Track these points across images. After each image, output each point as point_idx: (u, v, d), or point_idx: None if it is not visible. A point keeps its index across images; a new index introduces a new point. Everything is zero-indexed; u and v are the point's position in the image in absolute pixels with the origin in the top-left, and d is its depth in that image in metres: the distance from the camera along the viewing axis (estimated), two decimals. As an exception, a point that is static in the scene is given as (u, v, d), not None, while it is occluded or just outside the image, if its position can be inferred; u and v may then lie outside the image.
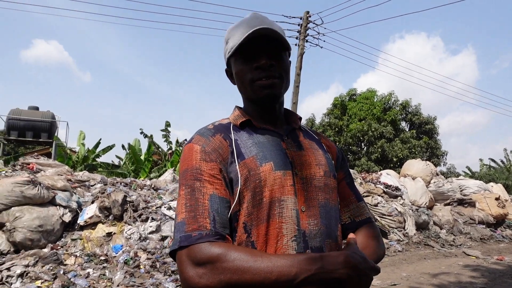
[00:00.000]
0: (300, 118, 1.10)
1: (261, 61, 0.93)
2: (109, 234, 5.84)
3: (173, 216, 6.37)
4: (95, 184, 7.34)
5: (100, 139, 15.21)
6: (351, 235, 0.92)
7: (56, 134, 14.75)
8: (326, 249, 0.91)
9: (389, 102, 23.89)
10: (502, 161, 29.87)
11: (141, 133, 15.05)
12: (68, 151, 14.69)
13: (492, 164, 29.92)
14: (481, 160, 30.83)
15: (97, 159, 14.84)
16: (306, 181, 0.94)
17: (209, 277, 0.76)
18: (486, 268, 6.53)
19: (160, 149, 15.55)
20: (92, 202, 6.35)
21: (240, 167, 0.89)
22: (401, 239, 8.51)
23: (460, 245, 9.05)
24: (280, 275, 0.75)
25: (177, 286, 4.77)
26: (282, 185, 0.90)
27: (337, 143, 22.99)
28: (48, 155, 13.22)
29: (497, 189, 13.21)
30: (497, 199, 11.42)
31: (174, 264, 5.33)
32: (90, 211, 6.07)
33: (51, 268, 4.82)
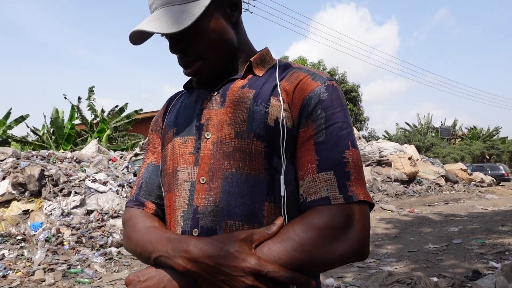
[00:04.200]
0: (250, 63, 0.82)
1: (170, 49, 0.80)
2: (26, 212, 5.38)
3: (99, 189, 6.05)
4: (5, 158, 6.61)
5: (11, 109, 13.63)
6: (277, 220, 0.70)
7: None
8: (224, 231, 0.70)
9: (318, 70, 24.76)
10: (414, 125, 33.16)
11: (65, 98, 13.78)
12: (-28, 123, 12.96)
13: (407, 127, 33.08)
14: (397, 124, 33.97)
15: (8, 131, 13.34)
16: (216, 147, 0.75)
17: (123, 238, 0.85)
18: (398, 220, 7.32)
19: (84, 118, 14.46)
20: (3, 178, 5.74)
21: (162, 135, 0.88)
22: (327, 199, 9.14)
23: (378, 201, 9.99)
24: (142, 250, 0.75)
25: (105, 260, 4.61)
26: (181, 153, 0.79)
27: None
28: None
29: (410, 149, 14.69)
30: (409, 158, 12.71)
31: (102, 238, 5.11)
32: (1, 188, 5.50)
33: (-44, 252, 4.34)
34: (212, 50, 0.78)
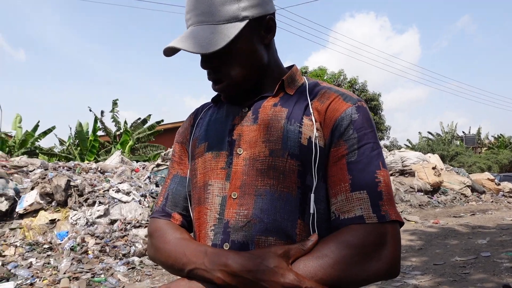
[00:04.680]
0: (282, 81, 0.84)
1: (202, 65, 0.81)
2: (53, 221, 5.54)
3: (122, 199, 6.18)
4: (34, 169, 6.87)
5: (39, 122, 14.14)
6: (312, 236, 0.72)
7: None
8: (256, 246, 0.72)
9: (339, 79, 24.63)
10: (437, 133, 32.33)
11: (90, 110, 14.24)
12: (3, 135, 13.53)
13: (430, 136, 32.29)
14: (420, 133, 33.23)
15: (36, 143, 13.85)
16: (249, 163, 0.77)
17: (149, 248, 0.85)
18: (423, 231, 7.12)
19: (108, 130, 14.86)
20: (32, 189, 5.95)
21: (190, 148, 0.89)
22: (349, 210, 8.99)
23: (401, 212, 9.75)
24: (174, 261, 0.76)
25: (128, 269, 4.68)
26: (212, 168, 0.80)
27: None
28: (-21, 140, 12.09)
29: (434, 159, 14.29)
30: (433, 168, 12.38)
31: (125, 247, 5.20)
32: (30, 198, 5.69)
33: (-12, 260, 4.50)
34: (243, 70, 0.80)
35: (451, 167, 15.72)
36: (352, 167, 0.73)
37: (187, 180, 0.88)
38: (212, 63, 0.80)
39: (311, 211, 0.74)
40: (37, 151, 13.06)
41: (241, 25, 0.76)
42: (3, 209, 5.36)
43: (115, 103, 14.74)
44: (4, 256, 4.75)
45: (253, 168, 0.76)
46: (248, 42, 0.79)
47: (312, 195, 0.74)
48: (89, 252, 4.99)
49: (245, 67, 0.80)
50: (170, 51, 0.79)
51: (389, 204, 0.72)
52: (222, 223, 0.75)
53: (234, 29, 0.75)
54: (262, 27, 0.81)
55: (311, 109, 0.79)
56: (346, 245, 0.68)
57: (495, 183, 14.25)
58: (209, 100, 0.95)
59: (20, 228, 5.34)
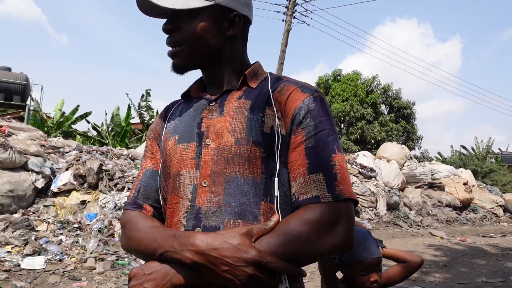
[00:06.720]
0: (245, 76, 0.91)
1: (162, 28, 0.91)
2: (83, 202, 5.78)
3: (150, 187, 6.35)
4: (70, 151, 7.18)
5: (78, 105, 14.75)
6: (273, 217, 0.78)
7: (29, 98, 14.20)
8: (225, 229, 0.78)
9: (372, 85, 24.12)
10: (472, 148, 31.03)
11: (127, 96, 14.75)
12: (44, 116, 14.20)
13: (463, 151, 31.06)
14: (451, 146, 32.06)
15: (73, 126, 14.45)
16: (217, 152, 0.83)
17: (122, 238, 0.89)
18: (448, 248, 6.89)
19: (141, 118, 15.29)
20: (67, 169, 6.22)
21: (162, 142, 0.94)
22: (372, 218, 8.82)
23: (427, 226, 9.47)
24: (145, 247, 0.80)
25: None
26: (183, 158, 0.86)
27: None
28: (21, 119, 12.76)
29: (466, 174, 13.76)
30: (465, 184, 11.92)
31: (149, 234, 5.35)
32: (64, 178, 5.96)
33: (22, 233, 4.76)
34: (192, 43, 0.88)
35: (484, 184, 15.08)
36: (310, 153, 0.80)
37: (159, 173, 0.93)
38: (169, 26, 0.89)
39: (276, 193, 0.80)
40: (74, 133, 13.62)
41: (206, 2, 0.85)
42: (39, 186, 5.65)
43: (148, 93, 15.13)
44: (37, 231, 5.01)
45: (221, 157, 0.82)
46: (207, 22, 0.87)
47: (276, 179, 0.81)
48: (115, 235, 5.18)
49: (195, 42, 0.88)
50: (146, 9, 0.90)
51: (344, 184, 0.78)
52: (194, 209, 0.81)
53: (197, 1, 0.85)
54: (227, 19, 0.89)
55: (272, 100, 0.86)
56: (303, 223, 0.74)
57: (531, 205, 13.53)
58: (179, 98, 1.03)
59: (53, 206, 5.61)
